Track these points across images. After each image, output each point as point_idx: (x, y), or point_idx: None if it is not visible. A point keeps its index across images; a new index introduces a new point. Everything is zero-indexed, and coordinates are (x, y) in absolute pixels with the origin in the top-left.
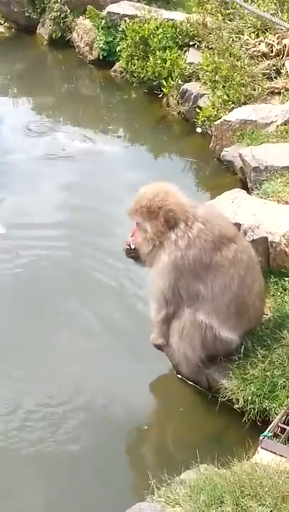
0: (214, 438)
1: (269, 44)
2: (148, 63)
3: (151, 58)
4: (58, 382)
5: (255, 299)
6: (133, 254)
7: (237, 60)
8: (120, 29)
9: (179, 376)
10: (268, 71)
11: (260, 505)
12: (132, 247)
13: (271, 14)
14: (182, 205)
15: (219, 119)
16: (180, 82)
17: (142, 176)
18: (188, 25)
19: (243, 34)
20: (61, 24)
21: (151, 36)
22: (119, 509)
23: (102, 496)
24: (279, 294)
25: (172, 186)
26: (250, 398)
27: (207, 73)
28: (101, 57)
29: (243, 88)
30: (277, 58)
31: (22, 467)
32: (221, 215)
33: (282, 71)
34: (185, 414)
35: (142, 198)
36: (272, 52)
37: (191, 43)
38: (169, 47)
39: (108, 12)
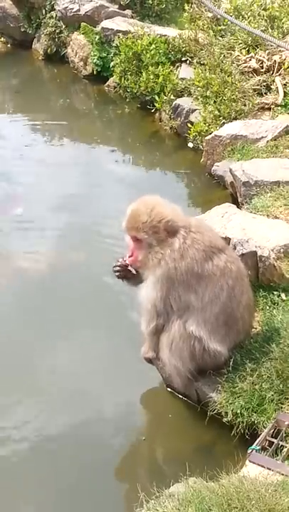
0: (203, 451)
1: (259, 60)
2: (141, 78)
3: (144, 73)
4: (47, 395)
5: (243, 311)
6: (124, 274)
7: (228, 76)
8: (114, 45)
9: (169, 389)
10: (258, 87)
11: None
12: (131, 265)
13: (261, 31)
14: (177, 214)
15: (210, 134)
16: (172, 97)
17: (134, 189)
18: (180, 41)
19: (234, 50)
20: (56, 39)
21: (144, 52)
22: None
23: (92, 508)
24: (268, 307)
25: (160, 199)
26: (238, 411)
27: (199, 89)
28: (95, 72)
29: (233, 103)
30: (268, 74)
31: (10, 478)
32: (208, 227)
33: (272, 87)
34: (175, 427)
35: (139, 214)
36: (262, 68)
37: (183, 59)
38: (161, 62)
39: (102, 28)
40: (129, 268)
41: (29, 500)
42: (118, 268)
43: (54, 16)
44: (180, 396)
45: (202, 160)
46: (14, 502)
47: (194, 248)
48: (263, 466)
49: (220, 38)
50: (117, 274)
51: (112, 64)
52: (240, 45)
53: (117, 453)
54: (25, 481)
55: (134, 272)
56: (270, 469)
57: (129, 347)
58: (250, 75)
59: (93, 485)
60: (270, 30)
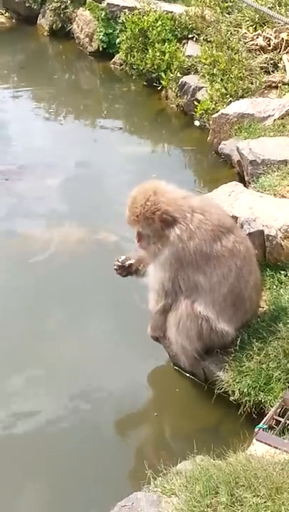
0: (210, 429)
1: (267, 38)
2: (147, 55)
3: (150, 50)
4: (52, 372)
5: (251, 291)
6: (125, 272)
7: (235, 54)
8: (120, 21)
9: (176, 368)
10: (265, 65)
11: (254, 496)
12: (125, 263)
13: (269, 8)
14: (175, 202)
15: (217, 112)
16: (179, 74)
17: (140, 168)
18: (186, 17)
19: (241, 27)
20: (61, 15)
21: (150, 28)
22: (116, 498)
23: (99, 485)
24: (275, 287)
25: (160, 183)
26: (245, 390)
27: (205, 66)
28: (101, 48)
29: (240, 81)
30: (275, 52)
31: (20, 455)
32: (216, 205)
33: (279, 65)
34: (182, 405)
35: (135, 206)
36: (269, 46)
37: (189, 36)
38: (168, 39)
39: (108, 3)
40: (128, 263)
41: (33, 478)
42: (117, 269)
43: None
44: (187, 375)
45: (209, 138)
46: (16, 480)
47: (202, 229)
48: (269, 445)
49: (227, 15)
50: (118, 273)
51: (118, 41)
52: (248, 23)
53: (123, 430)
54: (29, 458)
55: (133, 268)
56: (277, 448)
57: (135, 326)
58: (258, 52)
59: (99, 462)
60: (277, 8)
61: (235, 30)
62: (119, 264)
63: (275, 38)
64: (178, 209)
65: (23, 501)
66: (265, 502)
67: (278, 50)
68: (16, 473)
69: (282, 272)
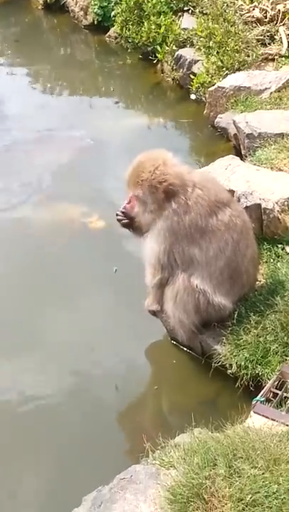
0: (208, 403)
1: (263, 10)
2: (142, 28)
3: (145, 23)
4: (49, 349)
5: (248, 264)
6: (127, 222)
7: (231, 26)
8: None
9: (174, 342)
10: (262, 37)
11: (252, 467)
12: (127, 213)
13: None
14: (181, 176)
15: (213, 85)
16: (174, 47)
17: (136, 142)
18: None
19: None
20: None
21: (146, 1)
22: (115, 471)
23: (98, 459)
24: (272, 260)
25: (168, 154)
26: (243, 364)
27: (201, 39)
28: (96, 22)
29: (237, 54)
30: (272, 24)
31: (20, 431)
32: (214, 180)
33: (276, 37)
34: (179, 379)
35: (142, 170)
36: (266, 18)
37: (185, 8)
38: (163, 12)
39: None
40: (132, 215)
41: (33, 453)
42: (120, 217)
43: None
44: (184, 348)
45: (205, 112)
46: (16, 457)
47: (199, 204)
48: (267, 417)
49: None
50: (120, 222)
51: (113, 14)
52: None
53: (121, 405)
54: (29, 433)
55: (136, 223)
56: (274, 420)
57: (132, 301)
58: (254, 24)
59: (97, 436)
60: None
61: (231, 2)
62: (125, 211)
63: (271, 9)
64: (182, 183)
65: (25, 476)
66: (263, 473)
67: (275, 22)
68: (17, 449)
69: (279, 246)
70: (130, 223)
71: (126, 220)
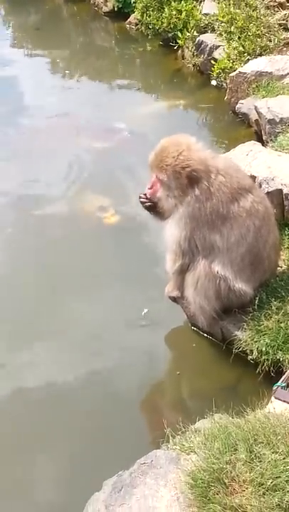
0: (228, 388)
1: None
2: (163, 14)
3: (166, 9)
4: (70, 336)
5: (269, 250)
6: (150, 204)
7: (253, 11)
8: None
9: (194, 328)
10: (284, 21)
11: (273, 452)
12: (150, 197)
13: None
14: (205, 162)
15: (234, 71)
16: (195, 33)
17: (158, 129)
18: None
19: None
20: None
21: None
22: (135, 457)
23: (118, 443)
24: None
25: (192, 139)
26: (264, 349)
27: (222, 24)
28: (116, 8)
29: (258, 39)
30: None
31: (42, 417)
32: (237, 167)
33: None
34: (200, 365)
35: (166, 155)
36: (288, 2)
37: None
38: None
39: None
40: (155, 200)
41: (53, 439)
42: (143, 199)
43: None
44: (205, 335)
45: (226, 97)
46: (37, 442)
47: (221, 190)
48: (288, 403)
49: None
50: (143, 205)
51: (133, 0)
52: None
53: (142, 390)
54: (48, 419)
55: (159, 207)
56: None
57: (152, 287)
58: (276, 9)
59: (118, 422)
60: None
61: None
62: (148, 195)
63: None
64: (206, 169)
65: (46, 461)
66: (284, 458)
67: None
68: (38, 435)
69: None
70: (153, 206)
71: (149, 203)
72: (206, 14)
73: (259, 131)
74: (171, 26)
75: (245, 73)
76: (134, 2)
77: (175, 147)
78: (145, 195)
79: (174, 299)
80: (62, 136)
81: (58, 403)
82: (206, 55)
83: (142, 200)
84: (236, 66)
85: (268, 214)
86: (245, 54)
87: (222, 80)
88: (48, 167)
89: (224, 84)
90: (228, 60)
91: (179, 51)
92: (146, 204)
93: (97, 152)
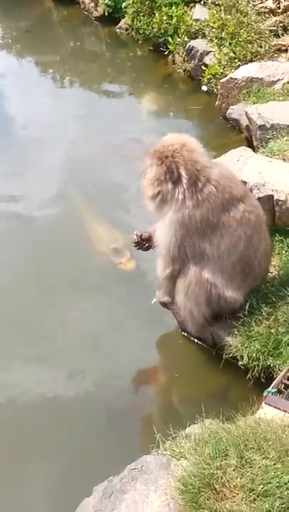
0: (219, 394)
1: (276, 0)
2: (154, 19)
3: (157, 15)
4: (60, 342)
5: (261, 258)
6: (141, 246)
7: (244, 17)
8: None
9: (184, 334)
10: (275, 28)
11: (264, 458)
12: (144, 236)
13: None
14: (193, 163)
15: (225, 76)
16: (186, 39)
17: (147, 134)
18: None
19: None
20: None
21: None
22: (126, 462)
23: (108, 449)
24: (284, 252)
25: (195, 143)
26: (254, 355)
27: (213, 30)
28: (106, 13)
29: (249, 45)
30: (285, 15)
31: (31, 422)
32: (232, 176)
33: None
34: (190, 370)
35: (161, 143)
36: (279, 8)
37: None
38: (175, 3)
39: None
40: (148, 235)
41: (43, 444)
42: (136, 244)
43: None
44: (195, 340)
45: (217, 103)
46: (26, 448)
47: (211, 200)
48: (278, 409)
49: None
50: (138, 248)
51: (124, 5)
52: None
53: (131, 396)
54: (38, 425)
55: (147, 245)
56: (286, 411)
57: (142, 292)
58: (267, 15)
59: (108, 427)
60: None
61: None
62: (138, 239)
63: (284, 0)
64: (191, 172)
65: (35, 467)
66: (274, 464)
67: (288, 13)
68: (28, 440)
69: None
70: (147, 247)
71: (141, 246)
72: (196, 20)
73: (250, 137)
74: (162, 31)
75: (236, 79)
76: (124, 7)
77: (171, 139)
78: (135, 242)
79: (165, 305)
80: (56, 147)
81: (47, 409)
82: (196, 61)
83: (134, 245)
84: (227, 72)
85: (260, 222)
86: (236, 60)
87: (213, 85)
88: (40, 184)
89: (215, 89)
90: (219, 66)
91: (170, 56)
92: (139, 247)
93: (91, 162)
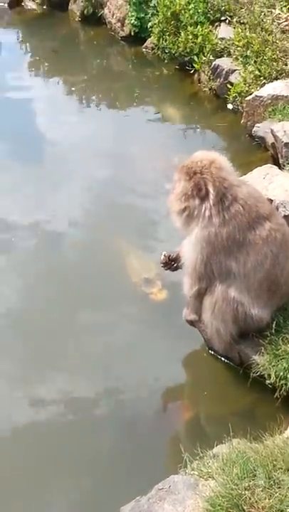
0: (246, 413)
1: None
2: (179, 39)
3: (182, 34)
4: (87, 355)
5: (287, 276)
6: (170, 266)
7: (269, 35)
8: (152, 5)
9: (211, 352)
10: None
11: None
12: (172, 256)
13: None
14: (221, 180)
15: (250, 94)
16: (211, 57)
17: (174, 152)
18: None
19: (274, 8)
20: (93, 0)
21: (183, 11)
22: (153, 482)
23: (135, 469)
24: None
25: (224, 161)
26: (282, 374)
27: (238, 48)
28: (132, 33)
29: (274, 63)
30: None
31: (56, 440)
32: (259, 195)
33: None
34: (217, 389)
35: (190, 159)
36: None
37: (222, 18)
38: (200, 22)
39: None
40: (176, 255)
41: (68, 464)
42: (164, 265)
43: None
44: (222, 359)
45: (242, 121)
46: (51, 467)
47: (238, 218)
48: None
49: None
50: (166, 269)
51: (149, 24)
52: (281, 3)
53: (158, 415)
54: (63, 444)
55: (176, 265)
56: None
57: (169, 310)
58: None
59: (135, 447)
60: None
61: (268, 11)
62: (166, 259)
63: None
64: (219, 189)
65: (61, 487)
66: None
67: None
68: (52, 459)
69: None
70: (174, 267)
71: (168, 266)
72: (222, 38)
73: (275, 155)
74: (188, 50)
75: (261, 97)
76: (150, 27)
77: (200, 156)
78: (163, 263)
79: (192, 323)
80: (84, 166)
81: (71, 428)
82: (222, 79)
83: (162, 265)
84: (252, 90)
85: (286, 240)
86: (261, 78)
87: (238, 103)
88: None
89: (240, 107)
90: (244, 84)
91: (195, 75)
92: (167, 268)
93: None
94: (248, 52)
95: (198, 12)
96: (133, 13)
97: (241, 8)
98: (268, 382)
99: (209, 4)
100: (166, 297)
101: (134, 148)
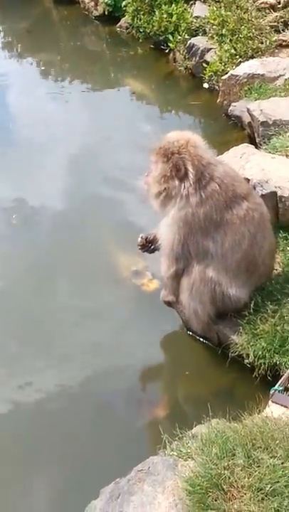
0: (225, 393)
1: None
2: (154, 18)
3: (157, 13)
4: (68, 340)
5: (265, 256)
6: (147, 248)
7: (244, 13)
8: None
9: (190, 333)
10: (275, 23)
11: (271, 457)
12: (149, 237)
13: None
14: (199, 159)
15: (226, 73)
16: (187, 36)
17: (149, 132)
18: None
19: None
20: None
21: None
22: (132, 464)
23: (114, 451)
24: (288, 248)
25: (199, 140)
26: (260, 353)
27: (214, 27)
28: (106, 12)
29: (250, 41)
30: (285, 10)
31: (38, 424)
32: (236, 174)
33: None
34: (196, 369)
35: (165, 140)
36: (279, 3)
37: None
38: (175, 1)
39: None
40: (153, 236)
41: (49, 447)
42: (142, 247)
43: None
44: (200, 339)
45: (218, 100)
46: (33, 451)
47: (214, 198)
48: (285, 406)
49: None
50: (144, 251)
51: (123, 3)
52: None
53: (137, 396)
54: (44, 427)
55: (153, 246)
56: None
57: (146, 292)
58: (267, 11)
59: (114, 429)
60: None
61: None
62: (143, 241)
63: None
64: (198, 168)
65: (42, 470)
66: (282, 463)
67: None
68: (34, 443)
69: None
70: (152, 249)
71: (145, 249)
72: (197, 17)
73: (252, 134)
74: (162, 29)
75: (237, 76)
76: (124, 6)
77: (176, 136)
78: (140, 244)
79: (169, 304)
80: (62, 153)
81: (52, 412)
82: (197, 58)
83: (140, 248)
84: (228, 69)
85: (264, 220)
86: (237, 56)
87: (214, 82)
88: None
89: (216, 86)
90: (220, 63)
91: (171, 54)
92: (144, 249)
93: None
94: (224, 30)
95: None
96: None
97: None
98: (246, 361)
99: None
100: (158, 287)
101: (110, 129)
